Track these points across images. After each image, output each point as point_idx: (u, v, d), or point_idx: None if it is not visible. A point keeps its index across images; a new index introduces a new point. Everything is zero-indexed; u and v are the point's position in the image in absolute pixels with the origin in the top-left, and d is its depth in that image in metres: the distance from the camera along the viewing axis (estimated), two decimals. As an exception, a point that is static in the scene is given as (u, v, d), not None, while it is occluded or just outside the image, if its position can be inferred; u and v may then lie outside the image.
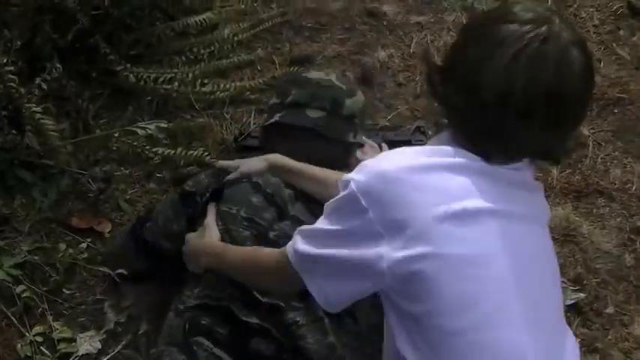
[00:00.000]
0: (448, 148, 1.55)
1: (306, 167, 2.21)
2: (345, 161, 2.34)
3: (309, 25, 3.31)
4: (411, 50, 3.29)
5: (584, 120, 1.63)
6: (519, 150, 1.57)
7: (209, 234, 2.09)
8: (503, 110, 1.48)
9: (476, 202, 1.52)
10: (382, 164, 1.56)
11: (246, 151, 2.73)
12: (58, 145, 2.53)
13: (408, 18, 3.46)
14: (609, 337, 2.59)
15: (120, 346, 2.31)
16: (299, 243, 1.63)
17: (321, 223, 1.61)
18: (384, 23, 3.41)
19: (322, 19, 3.34)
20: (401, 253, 1.49)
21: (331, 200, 1.60)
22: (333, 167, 2.23)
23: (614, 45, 3.55)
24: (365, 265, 1.54)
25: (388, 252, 1.50)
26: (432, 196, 1.50)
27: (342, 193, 1.56)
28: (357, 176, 1.54)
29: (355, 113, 2.41)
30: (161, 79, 2.88)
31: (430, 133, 2.92)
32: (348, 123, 2.39)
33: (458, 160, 1.54)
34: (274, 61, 3.15)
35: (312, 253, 1.60)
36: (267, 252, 1.85)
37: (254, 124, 2.88)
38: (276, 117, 2.35)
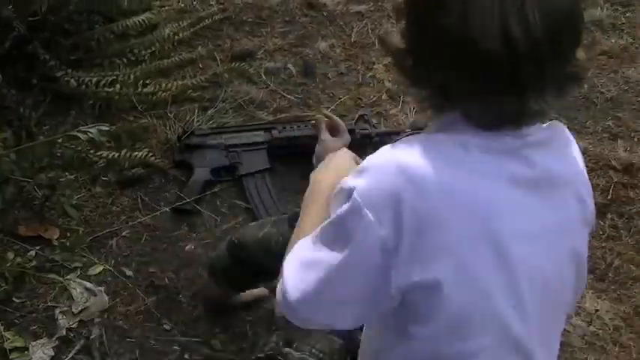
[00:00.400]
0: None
1: None
2: None
3: (249, 20, 3.32)
4: (352, 40, 3.31)
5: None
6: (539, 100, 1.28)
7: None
8: (512, 56, 1.23)
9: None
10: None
11: (188, 150, 2.74)
12: (0, 154, 2.51)
13: (348, 8, 3.48)
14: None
15: (73, 352, 2.30)
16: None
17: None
18: (324, 14, 3.43)
19: (262, 14, 3.35)
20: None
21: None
22: None
23: None
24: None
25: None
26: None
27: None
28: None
29: None
30: (102, 83, 2.86)
31: (375, 121, 2.95)
32: None
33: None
34: (216, 57, 3.15)
35: None
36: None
37: (197, 121, 2.88)
38: None
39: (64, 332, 2.33)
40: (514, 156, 1.34)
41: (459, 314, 1.34)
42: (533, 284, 1.37)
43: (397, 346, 1.45)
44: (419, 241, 1.28)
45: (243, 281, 2.32)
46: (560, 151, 1.46)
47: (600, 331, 2.61)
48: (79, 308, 2.39)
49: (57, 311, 2.38)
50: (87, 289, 2.44)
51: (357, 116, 2.92)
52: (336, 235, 1.37)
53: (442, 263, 1.29)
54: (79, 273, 2.48)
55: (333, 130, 2.26)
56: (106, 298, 2.44)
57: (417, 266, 1.29)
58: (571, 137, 1.52)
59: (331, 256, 1.37)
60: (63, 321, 2.36)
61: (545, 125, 1.42)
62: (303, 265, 1.43)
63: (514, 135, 1.33)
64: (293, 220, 2.03)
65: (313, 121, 2.36)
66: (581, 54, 1.37)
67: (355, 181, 1.33)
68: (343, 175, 1.45)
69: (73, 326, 2.36)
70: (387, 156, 1.34)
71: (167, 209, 2.67)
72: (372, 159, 1.35)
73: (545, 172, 1.37)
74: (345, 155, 1.86)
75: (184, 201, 2.66)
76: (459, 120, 1.35)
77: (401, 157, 1.30)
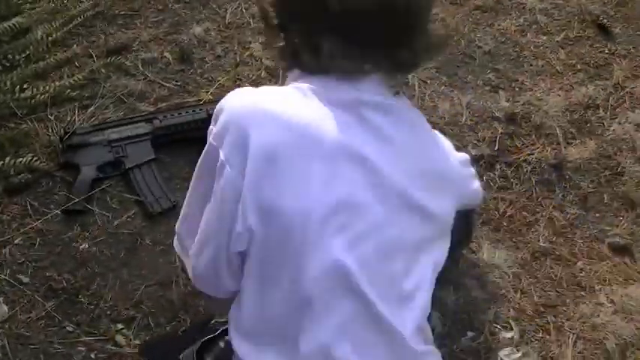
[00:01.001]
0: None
1: None
2: None
3: (121, 13, 3.29)
4: (227, 21, 3.31)
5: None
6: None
7: None
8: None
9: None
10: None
11: (71, 150, 2.73)
12: None
13: (220, -11, 3.47)
14: (459, 266, 2.67)
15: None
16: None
17: None
18: (197, -1, 3.42)
19: (134, 5, 3.32)
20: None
21: None
22: None
23: (427, -17, 3.62)
24: None
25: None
26: None
27: None
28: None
29: None
30: (-22, 92, 2.83)
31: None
32: None
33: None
34: (91, 54, 3.12)
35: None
36: None
37: (79, 120, 2.86)
38: None
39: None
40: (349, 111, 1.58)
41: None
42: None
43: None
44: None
45: None
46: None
47: (500, 280, 2.67)
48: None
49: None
50: (-19, 300, 2.43)
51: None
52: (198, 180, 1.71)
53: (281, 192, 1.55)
54: (-26, 286, 2.46)
55: None
56: (5, 308, 2.43)
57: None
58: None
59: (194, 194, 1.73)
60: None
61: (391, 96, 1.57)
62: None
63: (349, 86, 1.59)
64: None
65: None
66: None
67: (211, 127, 1.63)
68: None
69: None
70: (234, 98, 1.64)
71: (58, 212, 2.66)
72: (222, 102, 1.65)
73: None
74: None
75: (74, 201, 2.65)
76: (301, 75, 1.63)
77: (246, 98, 1.60)
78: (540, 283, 2.70)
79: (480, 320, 2.60)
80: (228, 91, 2.77)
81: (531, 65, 3.35)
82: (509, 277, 2.68)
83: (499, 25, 3.53)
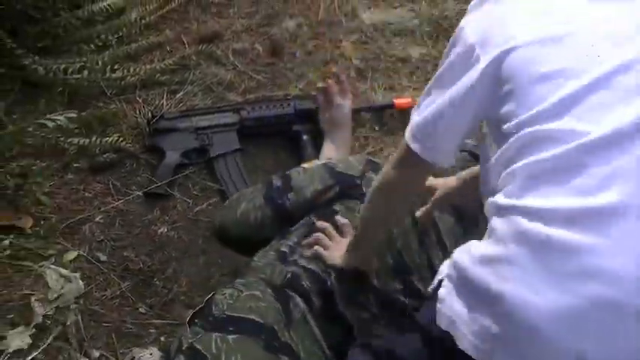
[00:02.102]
0: None
1: None
2: None
3: (215, 1, 3.31)
4: (319, 17, 3.31)
5: None
6: None
7: None
8: None
9: None
10: None
11: (157, 134, 2.75)
12: (-29, 144, 2.52)
13: (315, -15, 3.47)
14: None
15: (50, 339, 2.32)
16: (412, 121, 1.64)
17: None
18: (291, -8, 3.42)
19: (228, -4, 3.34)
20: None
21: None
22: None
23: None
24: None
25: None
26: None
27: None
28: None
29: None
30: (70, 69, 2.86)
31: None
32: None
33: None
34: (183, 40, 3.15)
35: (426, 113, 1.61)
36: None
37: (166, 105, 2.89)
38: None
39: (41, 320, 2.34)
40: None
41: None
42: None
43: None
44: None
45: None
46: None
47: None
48: (55, 295, 2.40)
49: (33, 299, 2.38)
50: (62, 275, 2.45)
51: (324, 95, 2.96)
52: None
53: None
54: (53, 260, 2.48)
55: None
56: (82, 284, 2.45)
57: None
58: None
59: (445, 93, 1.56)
60: (39, 309, 2.36)
61: None
62: (422, 106, 1.63)
63: None
64: (267, 194, 2.14)
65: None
66: None
67: (464, 21, 1.57)
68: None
69: (49, 313, 2.36)
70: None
71: (139, 193, 2.69)
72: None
73: None
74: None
75: (156, 184, 2.68)
76: None
77: None
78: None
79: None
80: (316, 88, 2.84)
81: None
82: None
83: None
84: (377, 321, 2.11)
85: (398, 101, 3.03)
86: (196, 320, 2.08)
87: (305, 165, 2.40)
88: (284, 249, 2.19)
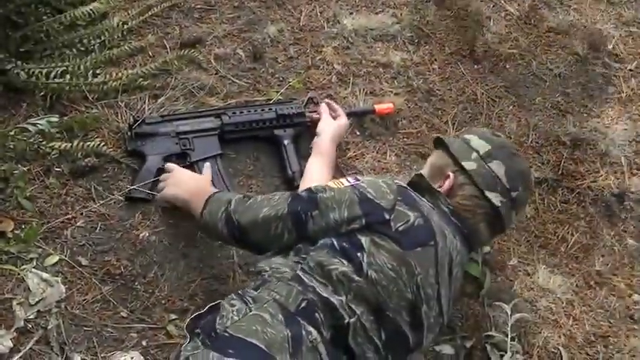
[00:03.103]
0: None
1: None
2: None
3: (198, 6, 3.31)
4: (301, 23, 3.32)
5: None
6: None
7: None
8: None
9: None
10: None
11: (139, 138, 2.76)
12: (-49, 148, 2.52)
13: (297, -9, 3.48)
14: (514, 288, 2.67)
15: (31, 343, 2.34)
16: None
17: None
18: (273, -2, 3.43)
19: (211, 0, 3.34)
20: None
21: None
22: None
23: (502, 2, 3.63)
24: None
25: None
26: None
27: None
28: None
29: None
30: (53, 74, 2.85)
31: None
32: None
33: None
34: (165, 45, 3.15)
35: None
36: None
37: (148, 110, 2.89)
38: (499, 200, 2.40)
39: (22, 323, 2.36)
40: None
41: None
42: None
43: None
44: None
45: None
46: None
47: (553, 306, 2.67)
48: (36, 299, 2.41)
49: (14, 303, 2.39)
50: (43, 279, 2.46)
51: (306, 99, 2.98)
52: None
53: None
54: (34, 264, 2.49)
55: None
56: (63, 288, 2.47)
57: None
58: None
59: None
60: (20, 312, 2.38)
61: None
62: None
63: None
64: (292, 206, 2.14)
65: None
66: None
67: None
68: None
69: (30, 317, 2.38)
70: None
71: (121, 197, 2.70)
72: None
73: None
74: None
75: (137, 188, 2.68)
76: None
77: None
78: (593, 312, 2.69)
79: (530, 344, 2.59)
80: (299, 92, 2.86)
81: (601, 91, 3.33)
82: (562, 303, 2.68)
83: (571, 49, 3.52)
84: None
85: (379, 107, 3.07)
86: (198, 331, 2.09)
87: (332, 184, 2.39)
88: (300, 273, 2.20)
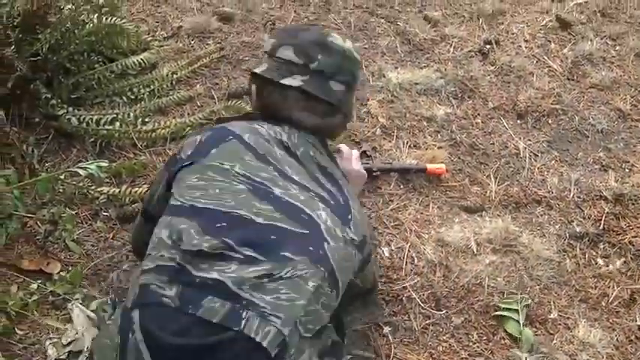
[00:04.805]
0: None
1: None
2: (341, 131, 2.53)
3: (245, 58, 3.37)
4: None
5: None
6: None
7: None
8: None
9: None
10: None
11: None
12: (4, 191, 2.57)
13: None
14: (554, 341, 2.66)
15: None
16: None
17: None
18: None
19: (258, 52, 3.40)
20: None
21: None
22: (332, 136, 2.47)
23: (545, 58, 3.66)
24: None
25: None
26: None
27: None
28: None
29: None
30: (103, 121, 2.93)
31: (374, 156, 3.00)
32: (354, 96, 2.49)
33: None
34: (213, 96, 3.21)
35: None
36: None
37: (195, 158, 2.93)
38: (299, 80, 2.30)
39: (64, 361, 2.39)
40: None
41: None
42: None
43: None
44: None
45: None
46: None
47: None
48: (69, 340, 2.42)
49: (47, 343, 2.41)
50: (88, 316, 2.48)
51: (360, 152, 2.99)
52: None
53: None
54: (80, 300, 2.53)
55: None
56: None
57: None
58: None
59: None
60: (52, 352, 2.39)
61: None
62: None
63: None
64: None
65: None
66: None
67: None
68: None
69: (62, 357, 2.38)
70: None
71: (166, 243, 2.72)
72: None
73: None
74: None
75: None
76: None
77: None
78: (634, 367, 2.67)
79: (568, 399, 2.58)
80: (346, 144, 2.89)
81: (644, 147, 3.35)
82: (602, 357, 2.66)
83: (614, 105, 3.54)
84: None
85: (431, 167, 3.08)
86: None
87: None
88: None
